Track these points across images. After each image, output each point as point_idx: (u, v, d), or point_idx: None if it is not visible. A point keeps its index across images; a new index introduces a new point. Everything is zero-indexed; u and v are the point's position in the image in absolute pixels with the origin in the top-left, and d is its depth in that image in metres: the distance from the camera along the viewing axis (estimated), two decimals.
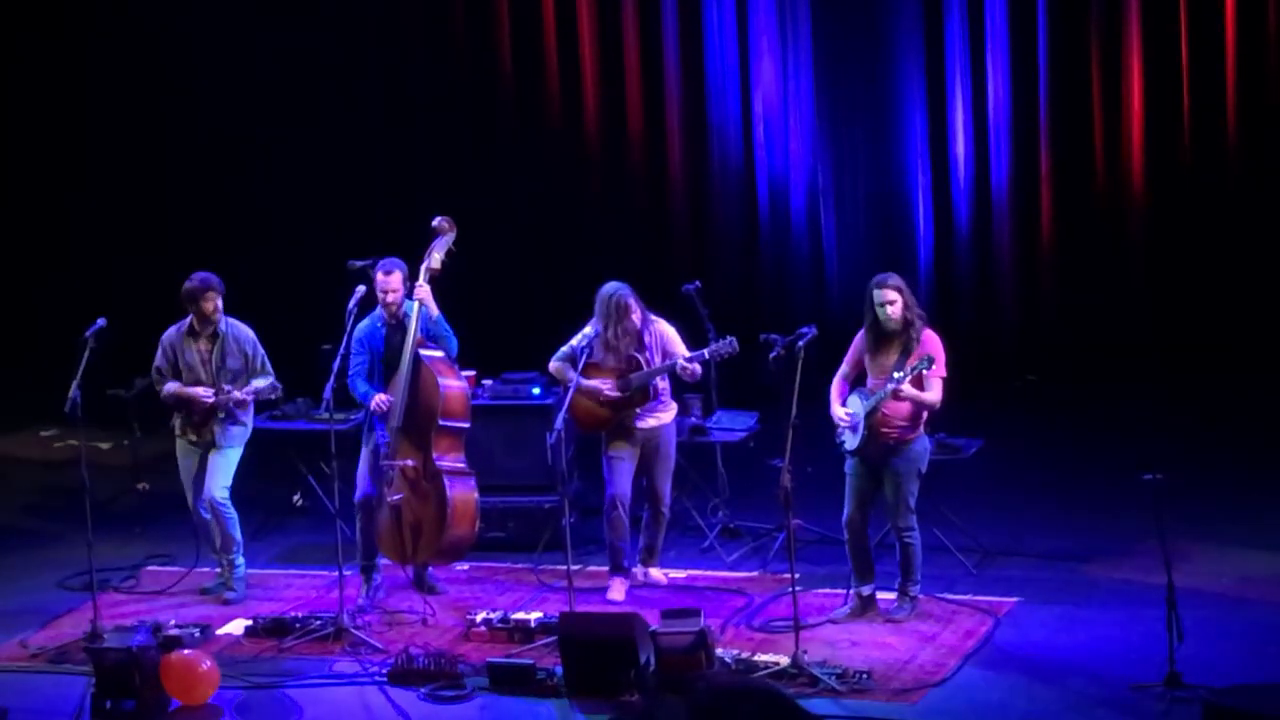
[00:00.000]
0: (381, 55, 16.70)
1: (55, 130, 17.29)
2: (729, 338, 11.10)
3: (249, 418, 11.48)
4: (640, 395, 11.16)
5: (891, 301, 10.44)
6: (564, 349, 11.26)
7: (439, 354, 11.14)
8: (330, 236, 15.40)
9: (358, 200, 16.38)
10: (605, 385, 11.14)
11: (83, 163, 17.23)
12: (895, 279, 10.52)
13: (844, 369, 10.69)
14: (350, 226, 15.53)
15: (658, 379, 11.19)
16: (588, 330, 11.20)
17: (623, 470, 11.22)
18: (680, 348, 11.22)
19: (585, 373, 11.07)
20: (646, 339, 11.19)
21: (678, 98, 16.24)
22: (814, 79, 15.92)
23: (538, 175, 16.64)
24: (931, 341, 10.50)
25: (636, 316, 11.14)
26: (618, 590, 11.20)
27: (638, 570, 11.43)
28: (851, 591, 10.70)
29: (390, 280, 11.12)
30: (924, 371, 10.33)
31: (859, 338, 10.64)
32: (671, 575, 11.56)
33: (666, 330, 11.28)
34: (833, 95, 15.94)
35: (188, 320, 11.40)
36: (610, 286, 11.18)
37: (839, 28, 15.85)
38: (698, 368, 11.15)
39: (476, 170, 16.57)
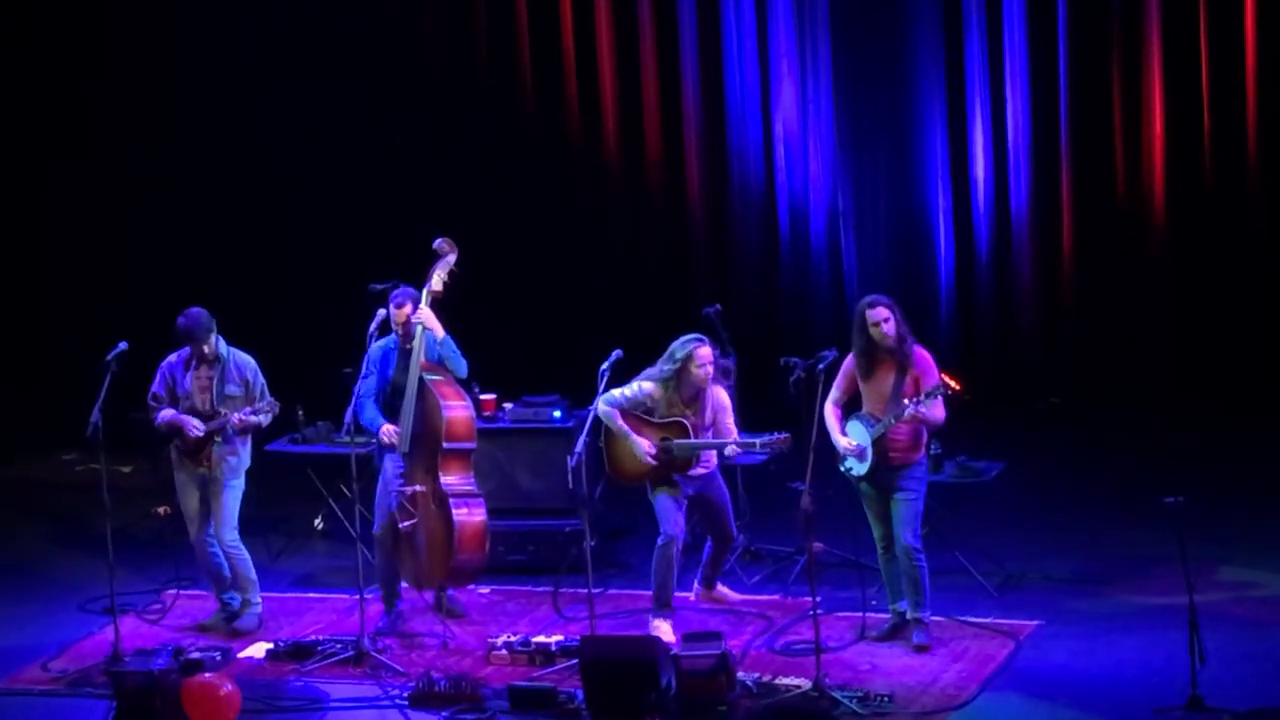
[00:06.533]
0: (401, 77, 16.69)
1: (65, 152, 17.30)
2: (784, 433, 10.72)
3: (246, 450, 11.35)
4: (682, 464, 10.86)
5: (885, 319, 10.36)
6: (616, 394, 10.88)
7: (442, 377, 11.15)
8: (349, 259, 15.40)
9: (378, 223, 16.37)
10: (649, 448, 10.84)
11: (104, 185, 17.24)
12: (885, 299, 10.45)
13: (835, 395, 10.54)
14: (370, 249, 15.51)
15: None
16: (646, 385, 10.92)
17: (676, 508, 10.90)
18: (730, 419, 10.92)
19: (631, 422, 10.84)
20: (705, 401, 10.89)
21: (697, 120, 16.22)
22: (834, 102, 15.90)
23: (558, 198, 16.63)
24: (925, 360, 10.44)
25: (708, 370, 10.78)
26: (667, 630, 10.77)
27: (716, 591, 11.34)
28: (889, 609, 10.69)
29: (400, 314, 11.13)
30: (939, 395, 10.29)
31: (848, 363, 10.53)
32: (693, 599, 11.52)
33: (723, 399, 10.95)
34: (853, 118, 15.92)
35: (189, 349, 11.37)
36: (690, 336, 10.91)
37: (859, 51, 15.83)
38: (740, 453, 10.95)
39: (497, 193, 16.57)
